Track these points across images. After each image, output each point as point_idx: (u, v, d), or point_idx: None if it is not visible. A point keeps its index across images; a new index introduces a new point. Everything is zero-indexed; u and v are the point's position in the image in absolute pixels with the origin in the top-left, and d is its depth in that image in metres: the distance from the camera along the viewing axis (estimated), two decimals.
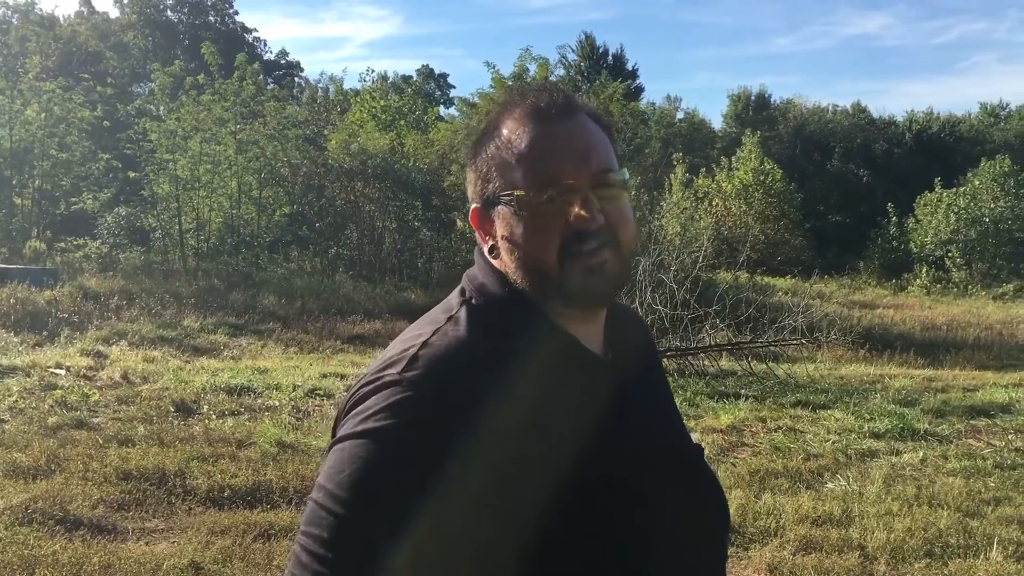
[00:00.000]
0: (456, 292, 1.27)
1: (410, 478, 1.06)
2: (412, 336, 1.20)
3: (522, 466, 1.09)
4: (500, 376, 1.13)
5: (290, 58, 51.00)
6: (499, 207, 1.21)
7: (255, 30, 51.85)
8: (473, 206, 1.26)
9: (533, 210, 1.17)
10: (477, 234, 1.27)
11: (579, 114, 1.22)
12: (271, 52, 49.48)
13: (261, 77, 26.22)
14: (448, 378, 1.12)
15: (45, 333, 11.73)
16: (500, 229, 1.21)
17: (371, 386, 1.13)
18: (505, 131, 1.22)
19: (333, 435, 1.17)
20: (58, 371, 9.18)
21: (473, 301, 1.23)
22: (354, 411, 1.12)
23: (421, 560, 1.05)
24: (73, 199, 22.55)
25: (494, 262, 1.24)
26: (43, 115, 21.23)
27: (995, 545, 4.89)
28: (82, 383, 8.70)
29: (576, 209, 1.16)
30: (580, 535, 1.11)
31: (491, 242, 1.24)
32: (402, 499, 1.05)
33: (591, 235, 1.16)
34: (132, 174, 21.50)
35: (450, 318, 1.21)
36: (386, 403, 1.09)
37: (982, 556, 4.77)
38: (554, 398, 1.16)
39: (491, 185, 1.22)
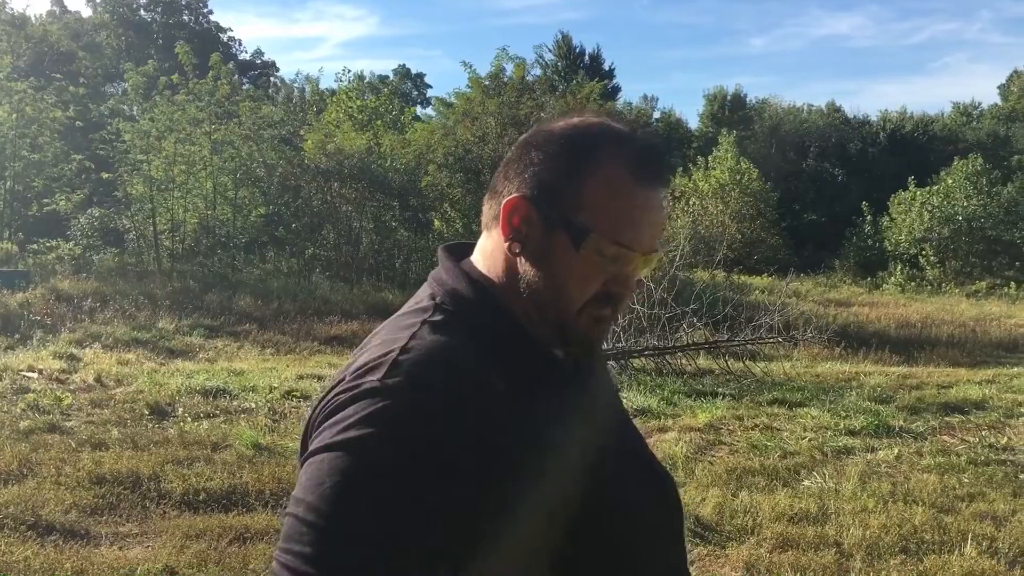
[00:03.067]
0: (425, 296, 1.23)
1: (394, 490, 1.01)
2: (389, 340, 1.15)
3: (506, 471, 1.07)
4: (482, 382, 1.10)
5: (265, 58, 50.82)
6: (559, 227, 1.15)
7: (230, 30, 51.52)
8: (519, 194, 1.17)
9: (593, 258, 1.15)
10: (499, 215, 1.19)
11: (668, 183, 1.25)
12: (246, 52, 49.23)
13: (236, 77, 26.06)
14: (432, 385, 1.07)
15: (17, 336, 11.60)
16: (545, 244, 1.16)
17: (349, 394, 1.07)
18: (607, 166, 1.16)
19: (304, 446, 1.13)
20: (30, 374, 9.08)
21: (446, 306, 1.19)
22: (331, 420, 1.07)
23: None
24: (45, 200, 22.28)
25: (495, 250, 1.20)
26: (14, 116, 20.96)
27: (969, 541, 4.93)
28: (55, 386, 8.60)
29: (628, 277, 1.18)
30: (570, 543, 1.11)
31: (512, 237, 1.17)
32: (387, 511, 1.01)
33: (616, 297, 1.18)
34: (105, 175, 21.30)
35: (424, 322, 1.16)
36: (366, 412, 1.04)
37: (956, 552, 4.81)
38: (537, 403, 1.14)
39: (563, 200, 1.16)
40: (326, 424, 1.07)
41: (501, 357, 1.15)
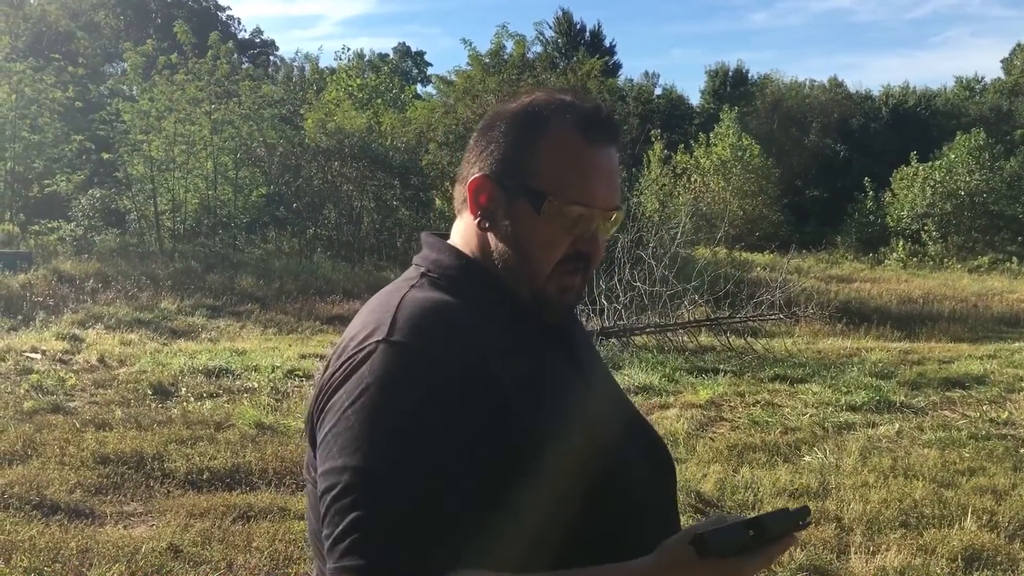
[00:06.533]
0: (410, 270, 1.30)
1: (427, 429, 1.08)
2: (380, 306, 1.21)
3: (507, 410, 1.13)
4: (477, 330, 1.18)
5: (264, 37, 50.56)
6: (518, 197, 1.23)
7: (228, 8, 51.02)
8: (481, 173, 1.26)
9: (555, 220, 1.21)
10: (465, 197, 1.27)
11: (617, 142, 1.28)
12: (245, 31, 49.02)
13: (235, 56, 25.95)
14: (433, 332, 1.14)
15: (20, 317, 11.62)
16: (510, 215, 1.24)
17: (359, 357, 1.14)
18: (554, 130, 1.23)
19: (312, 421, 1.18)
20: (33, 355, 9.10)
21: (432, 273, 1.26)
22: (347, 385, 1.12)
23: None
24: (46, 181, 22.20)
25: (470, 231, 1.28)
26: (14, 96, 20.86)
27: (969, 515, 4.95)
28: (58, 367, 8.62)
29: (591, 234, 1.24)
30: (578, 501, 1.15)
31: (481, 215, 1.26)
32: (428, 452, 1.07)
33: (586, 259, 1.25)
34: (106, 155, 21.21)
35: (412, 287, 1.23)
36: (380, 367, 1.11)
37: (956, 526, 4.84)
38: (524, 352, 1.22)
39: (517, 171, 1.23)
40: (342, 390, 1.12)
41: (488, 314, 1.21)
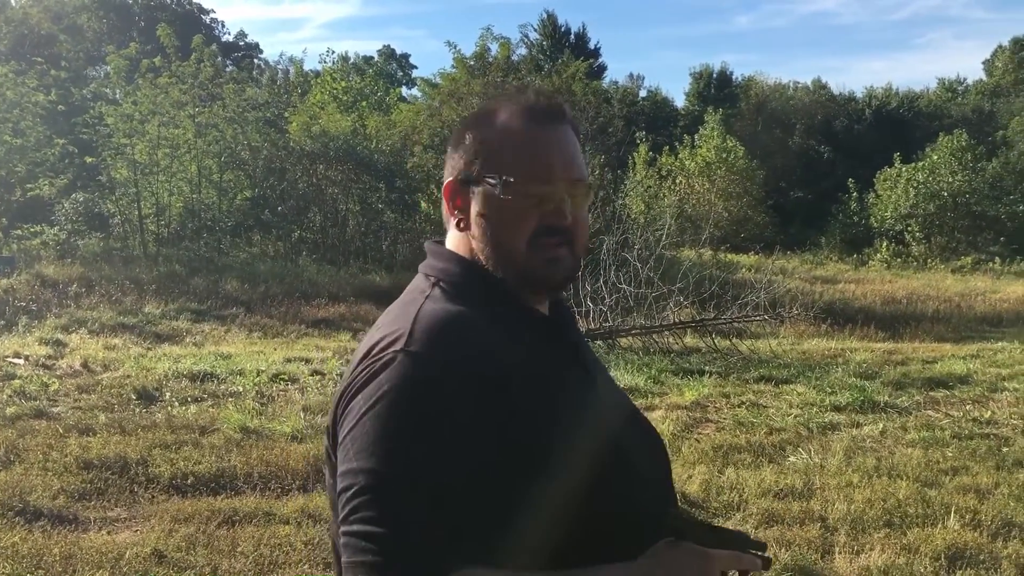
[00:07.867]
0: (420, 280, 1.36)
1: (443, 435, 1.14)
2: (399, 316, 1.27)
3: (518, 415, 1.19)
4: (489, 339, 1.24)
5: (248, 39, 50.29)
6: (479, 187, 1.31)
7: (212, 11, 51.04)
8: (449, 179, 1.36)
9: (518, 198, 1.28)
10: (445, 205, 1.37)
11: (567, 123, 1.35)
12: (229, 33, 48.69)
13: (219, 59, 25.86)
14: (449, 343, 1.21)
15: (2, 322, 11.54)
16: (477, 206, 1.32)
17: (378, 364, 1.19)
18: (501, 121, 1.32)
19: (334, 423, 1.24)
20: (16, 360, 9.04)
21: (441, 284, 1.32)
22: (365, 390, 1.18)
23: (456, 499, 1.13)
24: (29, 185, 22.05)
25: (458, 236, 1.35)
26: None
27: (952, 514, 4.98)
28: (41, 372, 8.57)
29: (555, 207, 1.29)
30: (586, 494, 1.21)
31: (459, 216, 1.34)
32: (442, 457, 1.13)
33: (558, 231, 1.30)
34: (89, 159, 21.09)
35: (427, 297, 1.30)
36: (398, 376, 1.17)
37: (940, 525, 4.86)
38: (534, 357, 1.28)
39: (476, 165, 1.32)
40: (361, 396, 1.18)
41: (498, 321, 1.28)
